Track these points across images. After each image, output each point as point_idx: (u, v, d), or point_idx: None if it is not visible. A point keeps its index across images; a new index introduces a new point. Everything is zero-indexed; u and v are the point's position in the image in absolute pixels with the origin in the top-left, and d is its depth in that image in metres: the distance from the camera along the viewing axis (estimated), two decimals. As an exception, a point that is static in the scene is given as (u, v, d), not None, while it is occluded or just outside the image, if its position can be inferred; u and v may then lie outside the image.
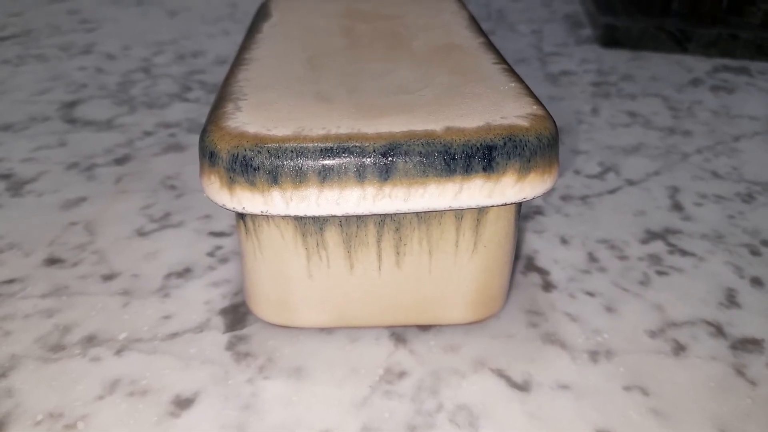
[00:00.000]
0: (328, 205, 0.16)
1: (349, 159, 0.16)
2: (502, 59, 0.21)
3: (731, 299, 0.21)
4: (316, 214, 0.16)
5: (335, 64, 0.20)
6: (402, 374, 0.18)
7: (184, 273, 0.22)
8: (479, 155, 0.16)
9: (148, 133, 0.32)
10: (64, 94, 0.36)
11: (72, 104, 0.35)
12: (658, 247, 0.24)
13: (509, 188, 0.16)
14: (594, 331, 0.20)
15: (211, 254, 0.23)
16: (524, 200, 0.17)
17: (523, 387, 0.18)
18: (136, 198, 0.26)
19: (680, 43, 0.42)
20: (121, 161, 0.29)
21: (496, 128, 0.16)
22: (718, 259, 0.23)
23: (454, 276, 0.18)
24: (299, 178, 0.16)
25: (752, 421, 0.17)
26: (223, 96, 0.18)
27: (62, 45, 0.43)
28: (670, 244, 0.24)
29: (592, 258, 0.23)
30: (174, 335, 0.19)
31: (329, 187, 0.16)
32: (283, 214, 0.16)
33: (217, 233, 0.24)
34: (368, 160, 0.16)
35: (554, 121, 0.17)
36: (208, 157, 0.16)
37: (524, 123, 0.17)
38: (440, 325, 0.20)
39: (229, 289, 0.21)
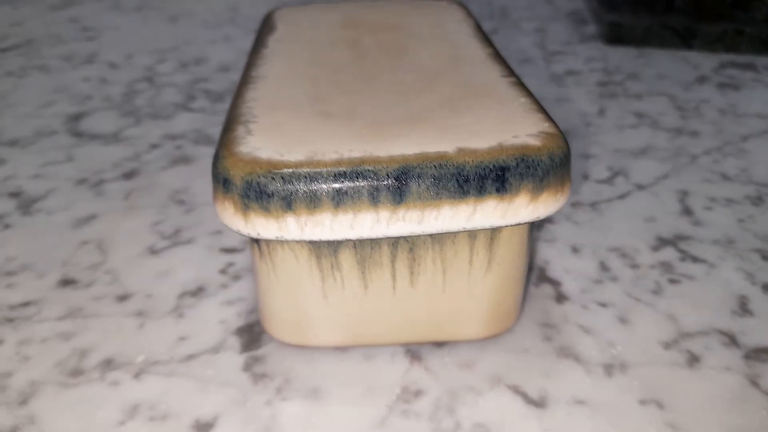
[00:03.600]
0: (342, 229, 0.16)
1: (362, 183, 0.16)
2: (510, 72, 0.21)
3: (743, 307, 0.21)
4: (331, 238, 0.16)
5: (342, 80, 0.20)
6: (418, 393, 0.18)
7: (198, 292, 0.22)
8: (492, 177, 0.16)
9: (154, 146, 0.32)
10: (69, 107, 0.36)
11: (77, 117, 0.35)
12: (669, 254, 0.24)
13: (522, 209, 0.16)
14: (608, 343, 0.20)
15: (223, 271, 0.23)
16: (537, 219, 0.17)
17: (539, 403, 0.18)
18: (146, 214, 0.26)
19: (685, 40, 0.42)
20: (129, 176, 0.29)
21: (508, 149, 0.16)
22: (729, 265, 0.23)
23: (468, 294, 0.19)
24: (313, 203, 0.16)
25: (768, 433, 0.17)
26: (232, 118, 0.18)
27: (65, 55, 0.43)
28: (681, 251, 0.24)
29: (603, 267, 0.23)
30: (191, 357, 0.20)
31: (343, 212, 0.16)
32: (297, 239, 0.16)
33: (229, 249, 0.24)
34: (382, 183, 0.16)
35: (566, 139, 0.17)
36: (222, 183, 0.16)
37: (536, 142, 0.17)
38: (455, 341, 0.20)
39: (243, 307, 0.21)
